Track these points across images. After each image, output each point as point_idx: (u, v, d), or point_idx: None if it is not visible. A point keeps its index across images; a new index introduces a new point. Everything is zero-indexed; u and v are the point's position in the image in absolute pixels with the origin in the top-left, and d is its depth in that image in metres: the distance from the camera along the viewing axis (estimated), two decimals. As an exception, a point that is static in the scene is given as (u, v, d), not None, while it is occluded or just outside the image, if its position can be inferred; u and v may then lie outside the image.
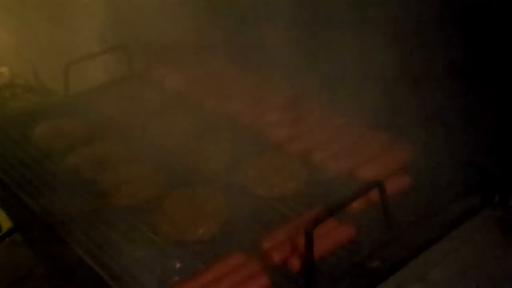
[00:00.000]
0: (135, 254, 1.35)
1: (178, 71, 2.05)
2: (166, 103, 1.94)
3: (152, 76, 2.08)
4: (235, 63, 2.09)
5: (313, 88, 1.83)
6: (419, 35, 1.54)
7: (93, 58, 2.05)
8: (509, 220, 1.50)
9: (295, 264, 1.29)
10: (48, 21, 3.50)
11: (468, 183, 1.52)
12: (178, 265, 1.35)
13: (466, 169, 1.54)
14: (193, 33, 2.05)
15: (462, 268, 1.44)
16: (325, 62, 1.75)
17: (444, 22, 1.48)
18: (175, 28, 2.38)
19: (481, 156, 1.54)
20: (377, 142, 1.67)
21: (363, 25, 1.61)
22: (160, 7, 2.12)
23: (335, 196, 1.48)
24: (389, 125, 1.67)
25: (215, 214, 1.44)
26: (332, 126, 1.74)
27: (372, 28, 1.57)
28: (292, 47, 1.85)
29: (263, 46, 1.93)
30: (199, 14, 2.10)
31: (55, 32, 3.50)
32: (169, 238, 1.40)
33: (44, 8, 3.48)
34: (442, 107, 1.55)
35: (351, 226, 1.38)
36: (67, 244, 1.40)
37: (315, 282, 1.25)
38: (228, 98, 1.88)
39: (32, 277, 1.96)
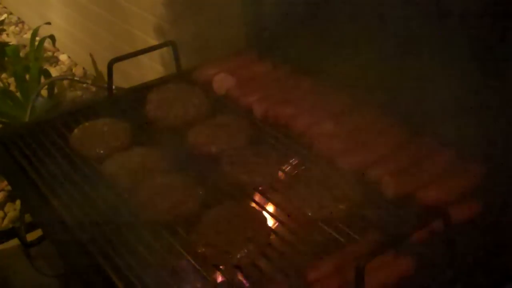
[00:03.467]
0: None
1: (227, 72, 1.90)
2: (212, 106, 1.81)
3: (200, 77, 1.94)
4: (289, 66, 1.94)
5: (374, 96, 1.66)
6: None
7: (138, 55, 1.93)
8: None
9: (343, 301, 1.15)
10: (108, 10, 3.47)
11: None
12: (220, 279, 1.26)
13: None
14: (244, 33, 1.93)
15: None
16: (387, 67, 1.58)
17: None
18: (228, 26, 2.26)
19: None
20: (443, 160, 1.48)
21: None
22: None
23: (392, 222, 1.34)
24: (457, 141, 1.49)
25: (256, 237, 1.30)
26: (393, 140, 1.56)
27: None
28: (353, 47, 1.69)
29: (319, 46, 1.77)
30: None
31: (113, 22, 3.46)
32: (205, 261, 1.28)
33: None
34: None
35: (409, 259, 1.22)
36: (97, 262, 1.31)
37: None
38: (278, 104, 1.72)
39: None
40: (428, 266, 1.22)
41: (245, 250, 1.28)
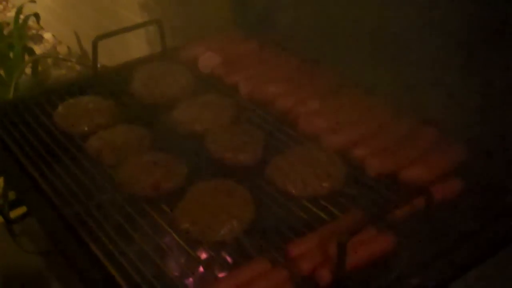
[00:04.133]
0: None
1: (213, 51, 1.90)
2: (197, 85, 1.80)
3: (186, 55, 1.94)
4: (275, 45, 1.94)
5: (360, 75, 1.66)
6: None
7: (122, 33, 1.92)
8: None
9: (325, 276, 1.16)
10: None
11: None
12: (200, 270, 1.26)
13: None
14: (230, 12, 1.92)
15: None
16: (373, 48, 1.59)
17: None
18: (214, 5, 2.25)
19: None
20: (426, 140, 1.49)
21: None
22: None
23: (376, 200, 1.35)
24: (440, 121, 1.50)
25: (240, 214, 1.31)
26: (376, 120, 1.57)
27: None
28: (337, 28, 1.69)
29: (303, 26, 1.77)
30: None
31: (98, 0, 3.44)
32: (188, 237, 1.29)
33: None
34: (501, 103, 1.37)
35: (391, 236, 1.23)
36: (80, 236, 1.31)
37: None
38: (264, 83, 1.72)
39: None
40: (410, 243, 1.23)
41: (229, 227, 1.28)
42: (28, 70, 3.39)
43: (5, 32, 3.84)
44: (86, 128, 1.62)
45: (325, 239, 1.22)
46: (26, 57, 3.41)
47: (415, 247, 1.22)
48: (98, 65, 1.89)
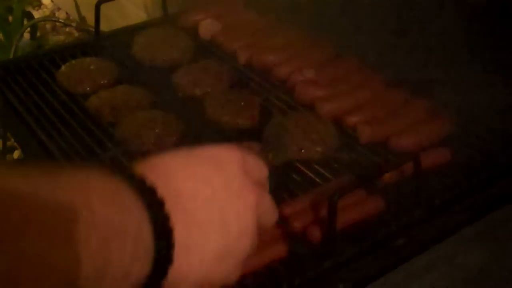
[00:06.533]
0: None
1: (213, 18, 1.93)
2: (197, 51, 1.84)
3: (186, 22, 1.97)
4: (274, 15, 1.97)
5: (356, 46, 1.71)
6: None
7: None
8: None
9: (316, 234, 1.21)
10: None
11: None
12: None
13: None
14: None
15: (496, 253, 1.35)
16: (371, 21, 1.63)
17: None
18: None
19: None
20: (417, 110, 1.54)
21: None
22: None
23: (366, 165, 1.41)
24: (431, 93, 1.55)
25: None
26: (370, 90, 1.61)
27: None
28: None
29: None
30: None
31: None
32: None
33: None
34: (489, 75, 1.43)
35: (379, 199, 1.29)
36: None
37: (334, 255, 1.17)
38: (262, 51, 1.76)
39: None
40: (397, 207, 1.28)
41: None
42: (26, 36, 3.40)
43: (4, -4, 3.84)
44: (88, 88, 1.66)
45: (317, 200, 1.27)
46: (25, 22, 3.42)
47: (402, 210, 1.28)
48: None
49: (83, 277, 0.54)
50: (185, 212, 0.66)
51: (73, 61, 1.77)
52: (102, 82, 1.68)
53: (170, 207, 0.64)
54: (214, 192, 0.70)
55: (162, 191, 0.64)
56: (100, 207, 0.57)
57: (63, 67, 1.74)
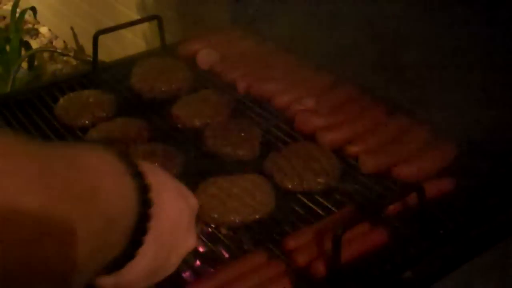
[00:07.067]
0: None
1: (211, 48, 1.93)
2: (196, 81, 1.83)
3: (184, 51, 1.97)
4: (272, 43, 1.97)
5: (355, 74, 1.70)
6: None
7: (123, 29, 1.95)
8: None
9: (320, 269, 1.19)
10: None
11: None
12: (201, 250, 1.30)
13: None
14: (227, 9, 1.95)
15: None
16: (370, 46, 1.63)
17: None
18: (211, 1, 2.27)
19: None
20: (418, 138, 1.53)
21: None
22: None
23: (369, 196, 1.39)
24: (432, 120, 1.54)
25: (239, 207, 1.34)
26: (371, 118, 1.61)
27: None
28: (334, 26, 1.73)
29: (301, 24, 1.80)
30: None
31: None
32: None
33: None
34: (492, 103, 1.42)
35: (384, 230, 1.27)
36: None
37: (340, 290, 1.16)
38: (261, 80, 1.76)
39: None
40: (402, 238, 1.27)
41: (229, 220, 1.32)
42: (24, 65, 3.40)
43: (1, 25, 3.86)
44: (86, 121, 1.65)
45: (320, 233, 1.26)
46: (23, 52, 3.43)
47: (408, 241, 1.26)
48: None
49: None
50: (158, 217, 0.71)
51: (71, 94, 1.76)
52: (100, 115, 1.66)
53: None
54: (179, 217, 0.77)
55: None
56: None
57: (61, 100, 1.73)
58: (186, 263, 1.26)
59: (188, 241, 0.81)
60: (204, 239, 1.32)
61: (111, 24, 2.37)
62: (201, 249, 1.32)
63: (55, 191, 0.55)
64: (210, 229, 1.34)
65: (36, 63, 3.53)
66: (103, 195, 0.61)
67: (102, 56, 1.94)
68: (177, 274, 1.23)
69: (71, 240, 0.55)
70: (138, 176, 0.68)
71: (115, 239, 0.64)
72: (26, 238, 0.51)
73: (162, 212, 0.71)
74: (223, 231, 1.34)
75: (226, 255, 1.31)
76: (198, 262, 1.29)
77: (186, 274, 1.26)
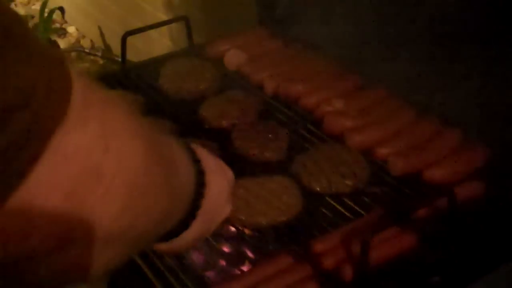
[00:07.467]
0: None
1: (239, 48, 1.92)
2: (223, 82, 1.83)
3: (212, 52, 1.96)
4: (300, 43, 1.96)
5: (385, 75, 1.68)
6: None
7: (151, 29, 1.96)
8: None
9: (348, 273, 1.18)
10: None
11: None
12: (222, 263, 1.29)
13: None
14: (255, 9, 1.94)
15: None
16: (401, 48, 1.60)
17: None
18: (238, 1, 2.27)
19: None
20: (449, 141, 1.51)
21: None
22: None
23: (399, 199, 1.37)
24: (464, 122, 1.52)
25: (266, 210, 1.34)
26: (400, 120, 1.58)
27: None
28: (364, 27, 1.71)
29: (329, 24, 1.79)
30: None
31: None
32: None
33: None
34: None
35: (412, 234, 1.25)
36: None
37: (368, 295, 1.14)
38: (289, 81, 1.75)
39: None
40: (431, 242, 1.25)
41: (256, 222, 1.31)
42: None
43: (30, 24, 3.90)
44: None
45: (348, 236, 1.24)
46: (51, 50, 3.46)
47: (437, 246, 1.24)
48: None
49: None
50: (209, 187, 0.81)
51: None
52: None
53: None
54: (222, 193, 0.88)
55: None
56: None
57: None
58: (210, 263, 1.26)
59: (225, 211, 0.91)
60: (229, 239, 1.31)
61: (138, 24, 2.38)
62: (226, 249, 1.32)
63: (164, 170, 0.65)
64: (235, 230, 1.34)
65: (64, 62, 3.56)
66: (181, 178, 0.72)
67: (129, 55, 1.95)
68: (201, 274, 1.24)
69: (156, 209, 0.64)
70: (196, 163, 0.78)
71: (176, 214, 0.74)
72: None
73: (210, 191, 0.81)
74: (247, 231, 1.34)
75: (251, 256, 1.30)
76: (222, 262, 1.28)
77: (211, 274, 1.26)
